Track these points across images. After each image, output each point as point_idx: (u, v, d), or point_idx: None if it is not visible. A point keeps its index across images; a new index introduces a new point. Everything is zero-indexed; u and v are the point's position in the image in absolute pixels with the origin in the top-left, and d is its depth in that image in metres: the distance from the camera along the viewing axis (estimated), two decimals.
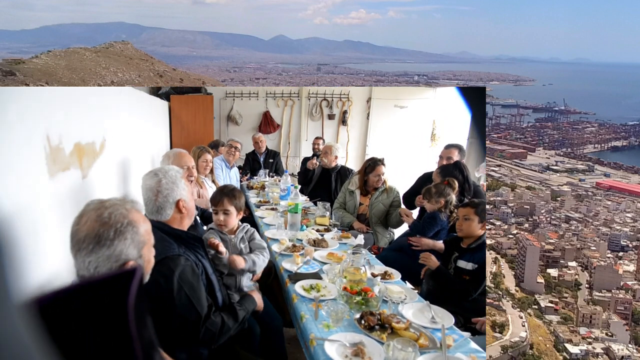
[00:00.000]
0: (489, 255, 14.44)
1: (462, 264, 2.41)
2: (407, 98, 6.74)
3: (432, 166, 3.57)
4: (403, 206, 3.56)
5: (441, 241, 2.86)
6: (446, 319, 1.90)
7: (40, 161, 1.53)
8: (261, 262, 2.30)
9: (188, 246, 1.79)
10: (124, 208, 1.23)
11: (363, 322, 1.77)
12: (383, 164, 3.62)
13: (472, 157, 5.40)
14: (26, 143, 1.44)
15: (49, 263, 1.49)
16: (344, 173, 4.49)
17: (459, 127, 5.91)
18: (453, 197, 2.99)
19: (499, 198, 17.70)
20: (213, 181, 3.79)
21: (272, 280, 2.65)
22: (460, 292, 2.33)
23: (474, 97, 5.78)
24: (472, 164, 5.09)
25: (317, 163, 4.62)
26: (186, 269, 1.69)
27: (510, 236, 15.86)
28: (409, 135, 6.58)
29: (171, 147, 4.59)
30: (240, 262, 2.19)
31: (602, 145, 26.92)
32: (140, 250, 1.25)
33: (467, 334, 1.80)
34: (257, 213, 3.82)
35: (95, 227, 1.17)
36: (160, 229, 1.76)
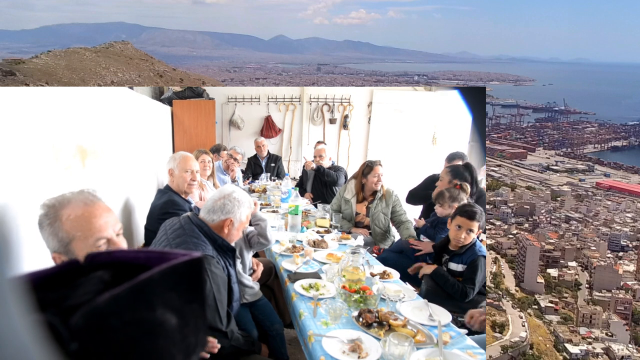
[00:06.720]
0: (489, 256, 14.44)
1: (452, 266, 2.44)
2: (408, 102, 6.74)
3: (433, 169, 3.56)
4: (412, 225, 3.43)
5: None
6: (443, 316, 1.92)
7: (43, 161, 1.57)
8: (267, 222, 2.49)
9: (220, 252, 1.89)
10: (56, 200, 1.23)
11: (361, 319, 1.79)
12: (380, 165, 3.52)
13: (472, 160, 5.40)
14: (29, 143, 1.49)
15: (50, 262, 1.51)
16: (332, 169, 4.71)
17: (460, 131, 5.90)
18: (465, 202, 2.94)
19: (499, 198, 17.68)
20: (214, 184, 3.80)
21: (273, 281, 2.67)
22: (458, 293, 2.34)
23: (474, 97, 5.77)
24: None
25: (314, 166, 4.70)
26: (217, 272, 1.78)
27: (510, 236, 15.85)
28: (410, 138, 6.57)
29: (173, 152, 4.54)
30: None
31: (602, 145, 26.93)
32: (66, 245, 1.17)
33: (463, 331, 1.82)
34: None
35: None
36: (201, 229, 1.89)
